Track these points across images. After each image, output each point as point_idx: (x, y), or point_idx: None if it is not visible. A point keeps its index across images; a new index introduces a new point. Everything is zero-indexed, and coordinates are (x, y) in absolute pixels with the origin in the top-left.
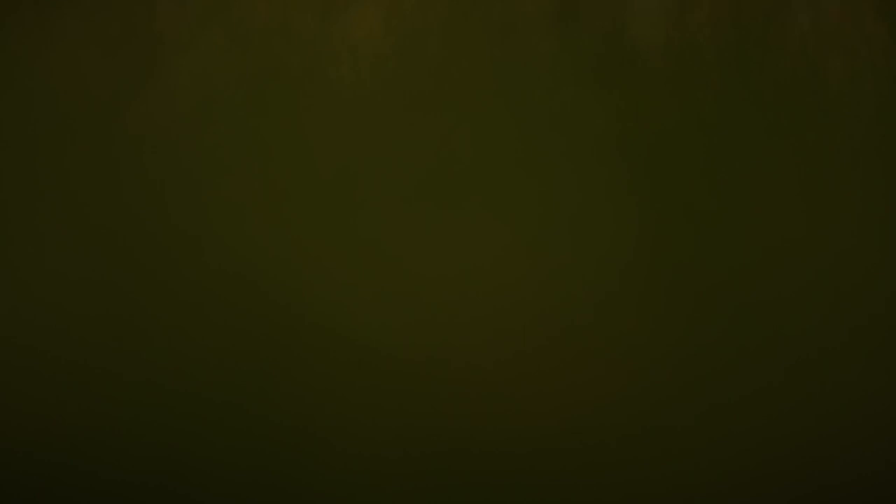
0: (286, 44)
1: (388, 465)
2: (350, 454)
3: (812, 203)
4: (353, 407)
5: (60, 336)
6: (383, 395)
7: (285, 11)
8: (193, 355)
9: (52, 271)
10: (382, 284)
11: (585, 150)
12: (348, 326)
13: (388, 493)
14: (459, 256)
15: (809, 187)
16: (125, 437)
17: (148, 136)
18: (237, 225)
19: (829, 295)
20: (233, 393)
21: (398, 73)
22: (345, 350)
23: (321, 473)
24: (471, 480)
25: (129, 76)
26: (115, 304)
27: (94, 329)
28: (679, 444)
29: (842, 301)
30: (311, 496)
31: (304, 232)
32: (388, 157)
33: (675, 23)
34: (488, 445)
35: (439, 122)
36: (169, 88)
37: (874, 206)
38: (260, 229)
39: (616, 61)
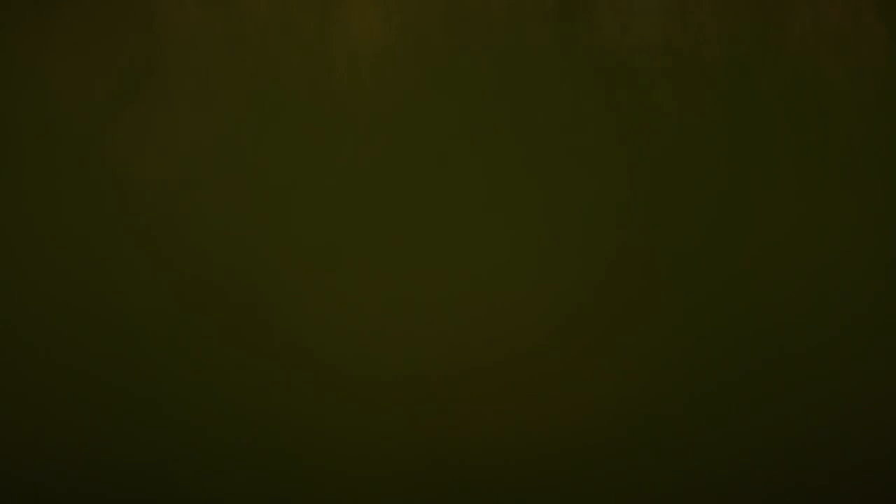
0: (286, 44)
1: (382, 475)
2: (351, 458)
3: (811, 202)
4: (345, 416)
5: (51, 336)
6: (376, 405)
7: (285, 11)
8: (175, 363)
9: (49, 269)
10: (382, 285)
11: (585, 150)
12: (341, 332)
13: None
14: (460, 258)
15: (809, 187)
16: (110, 444)
17: (147, 136)
18: (235, 225)
19: (828, 294)
20: (218, 401)
21: (398, 73)
22: (334, 359)
23: (309, 489)
24: (467, 489)
25: (129, 76)
26: (107, 302)
27: (82, 328)
28: (675, 444)
29: (841, 300)
30: None
31: (302, 231)
32: (387, 157)
33: (675, 23)
34: (485, 457)
35: (439, 122)
36: (168, 88)
37: (873, 205)
38: (257, 230)
39: (616, 61)
